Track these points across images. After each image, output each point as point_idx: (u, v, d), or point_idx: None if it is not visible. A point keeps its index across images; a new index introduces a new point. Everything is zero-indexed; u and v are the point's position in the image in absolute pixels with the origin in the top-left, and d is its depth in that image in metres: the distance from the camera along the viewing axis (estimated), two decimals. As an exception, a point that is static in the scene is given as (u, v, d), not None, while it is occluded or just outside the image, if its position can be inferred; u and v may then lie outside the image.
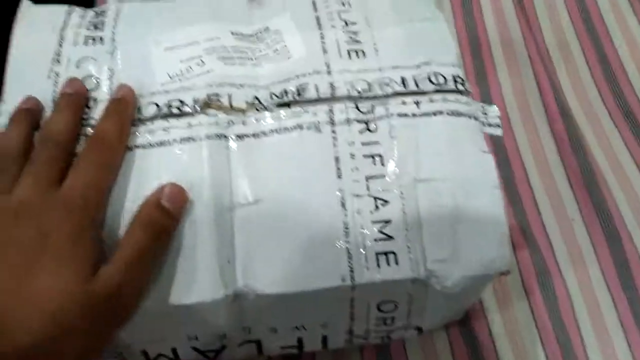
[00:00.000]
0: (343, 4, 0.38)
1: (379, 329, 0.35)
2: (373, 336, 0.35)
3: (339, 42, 0.35)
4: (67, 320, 0.25)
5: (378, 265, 0.30)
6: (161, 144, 0.31)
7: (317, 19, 0.37)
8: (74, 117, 0.32)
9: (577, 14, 0.53)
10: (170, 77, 0.34)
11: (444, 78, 0.34)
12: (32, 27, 0.36)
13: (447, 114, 0.32)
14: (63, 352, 0.26)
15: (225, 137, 0.32)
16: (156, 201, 0.29)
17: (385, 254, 0.30)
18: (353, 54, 0.35)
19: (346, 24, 0.36)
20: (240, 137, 0.32)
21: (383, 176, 0.31)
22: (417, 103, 0.33)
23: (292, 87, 0.33)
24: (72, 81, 0.33)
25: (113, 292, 0.27)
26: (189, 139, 0.31)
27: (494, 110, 0.34)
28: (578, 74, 0.50)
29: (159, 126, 0.32)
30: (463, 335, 0.40)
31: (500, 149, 0.46)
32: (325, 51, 0.35)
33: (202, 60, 0.35)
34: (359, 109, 0.32)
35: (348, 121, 0.32)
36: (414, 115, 0.32)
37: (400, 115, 0.32)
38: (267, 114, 0.33)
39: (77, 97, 0.32)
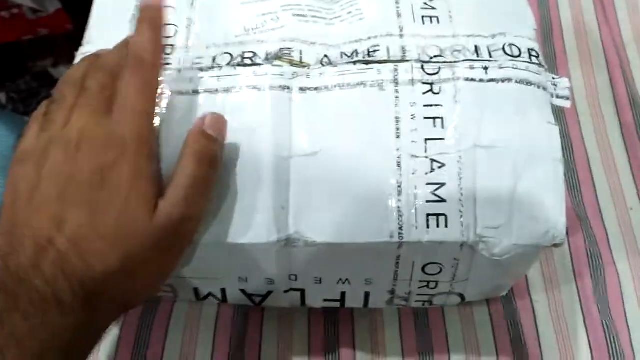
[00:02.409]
0: (419, -28, 0.37)
1: (421, 292, 0.34)
2: (414, 299, 0.35)
3: (413, 7, 0.34)
4: (138, 253, 0.26)
5: (427, 225, 0.29)
6: (227, 90, 0.31)
7: (393, -17, 0.36)
8: (124, 52, 0.30)
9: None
10: (246, 30, 0.34)
11: (519, 50, 0.32)
12: None
13: (516, 82, 0.31)
14: (126, 284, 0.27)
15: (288, 88, 0.31)
16: (200, 130, 0.29)
17: (436, 215, 0.29)
18: (427, 20, 0.34)
19: (421, -10, 0.35)
20: (303, 89, 0.31)
21: (442, 139, 0.30)
22: (485, 69, 0.31)
23: (363, 48, 0.32)
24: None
25: (176, 224, 0.27)
26: (254, 88, 0.31)
27: (564, 82, 0.32)
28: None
29: (227, 73, 0.32)
30: (505, 312, 0.38)
31: (565, 135, 0.44)
32: (399, 15, 0.34)
33: (277, 16, 0.34)
34: (424, 70, 0.31)
35: (412, 82, 0.31)
36: (481, 80, 0.31)
37: (467, 79, 0.31)
38: (331, 69, 0.32)
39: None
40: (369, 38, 0.33)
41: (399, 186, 0.29)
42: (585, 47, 0.48)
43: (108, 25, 0.34)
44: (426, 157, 0.29)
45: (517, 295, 0.39)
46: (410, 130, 0.30)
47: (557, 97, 0.32)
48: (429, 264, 0.31)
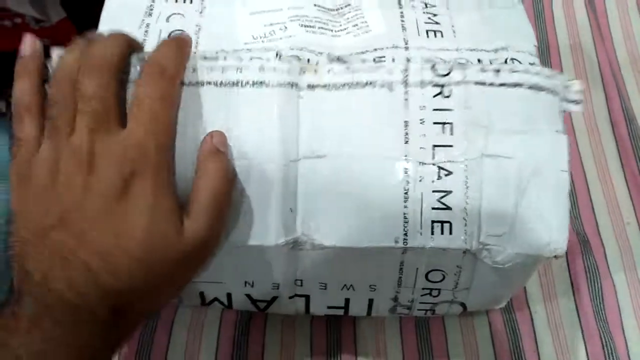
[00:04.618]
0: (423, -13, 0.38)
1: (424, 300, 0.34)
2: (417, 307, 0.35)
3: (417, 21, 0.35)
4: (166, 269, 0.26)
5: (432, 232, 0.29)
6: (233, 84, 0.30)
7: (398, -1, 0.37)
8: (122, 43, 0.28)
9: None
10: (254, 38, 0.34)
11: (520, 64, 0.33)
12: None
13: (527, 87, 0.30)
14: (151, 298, 0.26)
15: (296, 85, 0.30)
16: (214, 147, 0.28)
17: (441, 222, 0.29)
18: (431, 34, 0.34)
19: (426, 5, 0.36)
20: (311, 87, 0.30)
21: (450, 146, 0.29)
22: (497, 71, 0.30)
23: (369, 58, 0.33)
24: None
25: (203, 242, 0.27)
26: (261, 84, 0.30)
27: (576, 85, 0.31)
28: (647, 85, 0.48)
29: (232, 64, 0.30)
30: (504, 322, 0.39)
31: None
32: (404, 29, 0.35)
33: (285, 26, 0.35)
34: (435, 71, 0.31)
35: (422, 83, 0.30)
36: (491, 84, 0.30)
37: (477, 83, 0.30)
38: (340, 66, 0.31)
39: (124, 35, 0.29)
40: (375, 49, 0.33)
41: (406, 193, 0.29)
42: (581, 64, 0.50)
43: (118, 30, 0.35)
44: (433, 164, 0.29)
45: (516, 307, 0.39)
46: (419, 136, 0.29)
47: (569, 101, 0.31)
48: (432, 270, 0.31)
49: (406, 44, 0.34)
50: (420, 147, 0.29)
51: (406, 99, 0.30)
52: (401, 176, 0.29)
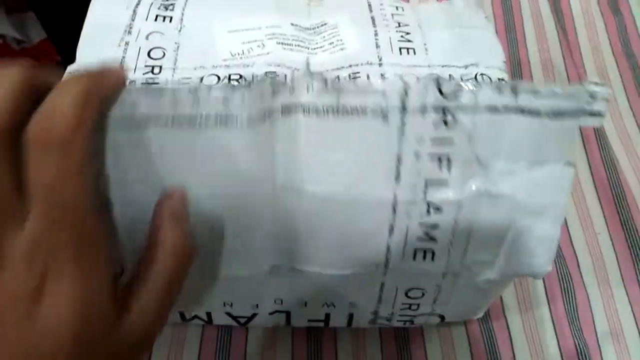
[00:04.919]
0: (397, 8, 0.39)
1: (403, 314, 0.34)
2: (396, 320, 0.35)
3: (391, 39, 0.36)
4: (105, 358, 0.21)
5: (414, 258, 0.28)
6: (190, 121, 0.24)
7: (372, 18, 0.37)
8: (12, 92, 0.20)
9: (617, 41, 0.53)
10: (232, 55, 0.35)
11: (490, 79, 0.33)
12: (108, 2, 0.37)
13: (546, 114, 0.25)
14: None
15: (269, 112, 0.25)
16: (171, 216, 0.23)
17: (424, 250, 0.28)
18: (404, 51, 0.35)
19: (399, 25, 0.37)
20: (287, 109, 0.25)
21: (445, 183, 0.26)
22: (514, 92, 0.25)
23: (344, 75, 0.34)
24: None
25: (148, 330, 0.23)
26: (227, 118, 0.24)
27: (603, 92, 0.25)
28: (615, 99, 0.50)
29: (186, 99, 0.24)
30: (482, 333, 0.39)
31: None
32: (378, 46, 0.35)
33: (262, 44, 0.35)
34: (441, 92, 0.25)
35: (423, 109, 0.25)
36: (505, 108, 0.25)
37: (489, 108, 0.25)
38: (321, 83, 0.25)
39: (20, 75, 0.21)
40: (350, 66, 0.34)
41: (392, 229, 0.27)
42: (550, 78, 0.51)
43: (98, 47, 0.34)
44: (424, 201, 0.26)
45: (493, 317, 0.40)
46: (411, 173, 0.26)
47: (590, 114, 0.25)
48: (412, 289, 0.32)
49: (380, 60, 0.35)
50: (412, 185, 0.26)
51: (402, 130, 0.25)
52: (388, 215, 0.27)
